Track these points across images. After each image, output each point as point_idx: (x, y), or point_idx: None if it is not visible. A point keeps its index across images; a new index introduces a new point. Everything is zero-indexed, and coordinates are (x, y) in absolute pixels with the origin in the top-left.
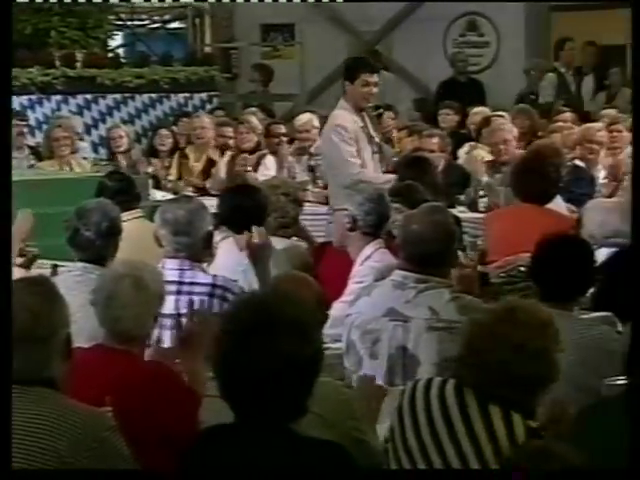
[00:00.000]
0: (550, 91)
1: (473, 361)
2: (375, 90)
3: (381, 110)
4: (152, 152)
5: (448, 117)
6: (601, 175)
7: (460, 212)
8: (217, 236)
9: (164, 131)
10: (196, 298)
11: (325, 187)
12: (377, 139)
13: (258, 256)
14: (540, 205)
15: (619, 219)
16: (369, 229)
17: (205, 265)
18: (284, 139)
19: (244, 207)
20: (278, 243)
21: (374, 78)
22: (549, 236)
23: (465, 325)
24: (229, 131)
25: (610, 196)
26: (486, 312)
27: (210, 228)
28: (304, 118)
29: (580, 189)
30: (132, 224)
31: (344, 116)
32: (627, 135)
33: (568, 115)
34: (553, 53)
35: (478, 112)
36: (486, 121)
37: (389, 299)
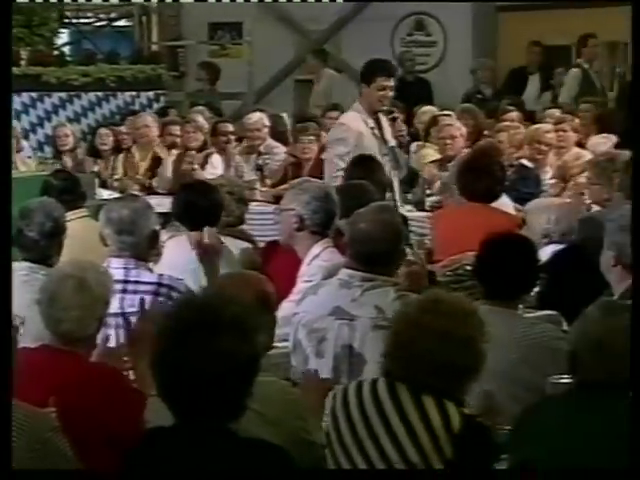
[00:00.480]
0: (574, 87)
1: (401, 354)
2: (391, 94)
3: (395, 114)
4: (93, 152)
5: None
6: (548, 175)
7: (407, 211)
8: (165, 234)
9: (104, 130)
10: (141, 297)
11: (273, 186)
12: (392, 143)
13: (207, 256)
14: (486, 204)
15: (562, 217)
16: (316, 228)
17: (152, 264)
18: (231, 138)
19: (199, 205)
20: (226, 242)
21: (390, 82)
22: (493, 235)
23: (392, 319)
24: (176, 129)
25: (557, 196)
26: (411, 305)
27: (155, 227)
28: (254, 117)
29: (526, 188)
30: (77, 223)
31: (352, 117)
32: (572, 135)
33: (515, 115)
34: (576, 49)
35: (426, 111)
36: (434, 120)
37: (335, 298)
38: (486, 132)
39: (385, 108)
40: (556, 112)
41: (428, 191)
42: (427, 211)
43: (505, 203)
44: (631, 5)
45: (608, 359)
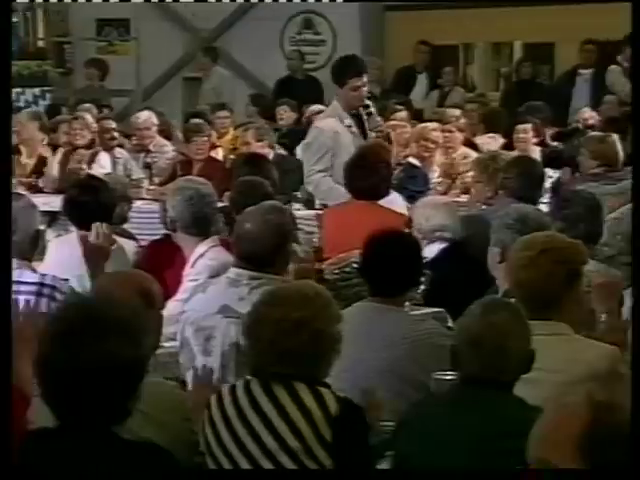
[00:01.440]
0: (623, 82)
1: (250, 347)
2: (365, 91)
3: (371, 110)
4: None
5: (285, 114)
6: (435, 174)
7: (296, 209)
8: (51, 233)
9: None
10: (23, 297)
11: (161, 184)
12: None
13: (93, 254)
14: (372, 202)
15: (445, 215)
16: (188, 229)
17: (36, 263)
18: (115, 135)
19: (87, 203)
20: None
21: (363, 79)
22: (377, 232)
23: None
24: (63, 127)
25: (444, 194)
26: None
27: (39, 226)
28: (143, 116)
29: (414, 187)
30: None
31: (327, 117)
32: (459, 135)
33: (403, 114)
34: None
35: (315, 110)
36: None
37: (223, 296)
38: None
39: (363, 104)
40: (444, 111)
41: None
42: (317, 209)
43: (395, 201)
44: (631, 5)
45: (487, 356)
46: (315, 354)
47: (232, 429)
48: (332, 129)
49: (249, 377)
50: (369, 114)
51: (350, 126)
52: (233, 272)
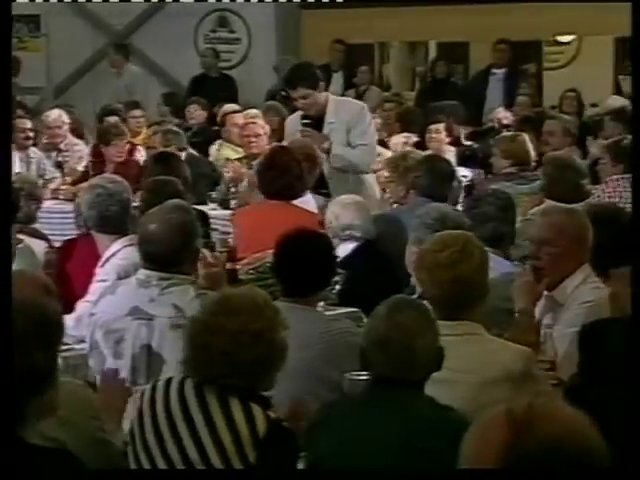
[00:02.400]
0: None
1: (199, 357)
2: (304, 102)
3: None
4: None
5: (196, 113)
6: None
7: (211, 209)
8: None
9: None
10: None
11: (74, 183)
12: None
13: None
14: (286, 201)
15: (355, 213)
16: (101, 227)
17: None
18: (30, 135)
19: None
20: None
21: (298, 92)
22: (289, 232)
23: (187, 324)
24: None
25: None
26: (203, 308)
27: None
28: (53, 114)
29: None
30: None
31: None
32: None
33: None
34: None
35: (229, 109)
36: (224, 118)
37: (133, 298)
38: None
39: (311, 114)
40: None
41: (233, 189)
42: (232, 209)
43: (310, 201)
44: (631, 5)
45: (395, 356)
46: (268, 364)
47: (159, 432)
48: (292, 130)
49: (183, 380)
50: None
51: (306, 124)
52: (142, 273)
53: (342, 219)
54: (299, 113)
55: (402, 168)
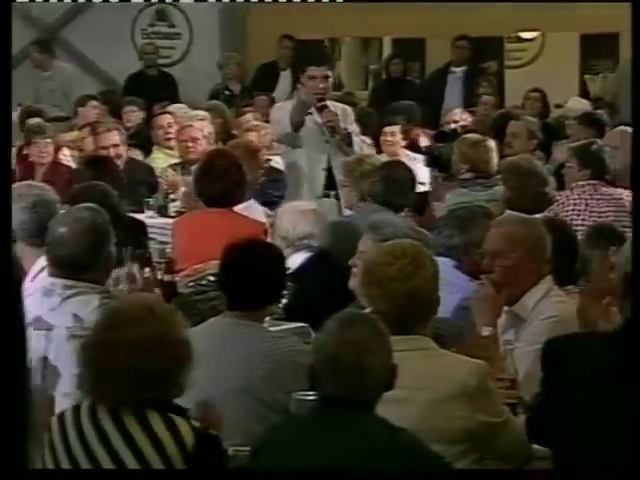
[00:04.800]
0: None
1: (101, 379)
2: (323, 84)
3: (325, 102)
4: None
5: (133, 115)
6: None
7: (149, 217)
8: None
9: None
10: None
11: None
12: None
13: None
14: (227, 209)
15: (313, 222)
16: (33, 239)
17: None
18: None
19: None
20: None
21: (323, 71)
22: (235, 241)
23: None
24: None
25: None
26: (93, 324)
27: None
28: None
29: (277, 191)
30: None
31: (280, 106)
32: None
33: (249, 116)
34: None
35: (175, 110)
36: (156, 120)
37: (37, 307)
38: (235, 131)
39: (318, 98)
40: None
41: (172, 196)
42: (171, 217)
43: (252, 207)
44: (631, 5)
45: (346, 375)
46: (176, 369)
47: (73, 459)
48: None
49: (94, 407)
50: (322, 107)
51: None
52: (48, 281)
53: (300, 227)
54: (291, 102)
55: (358, 173)
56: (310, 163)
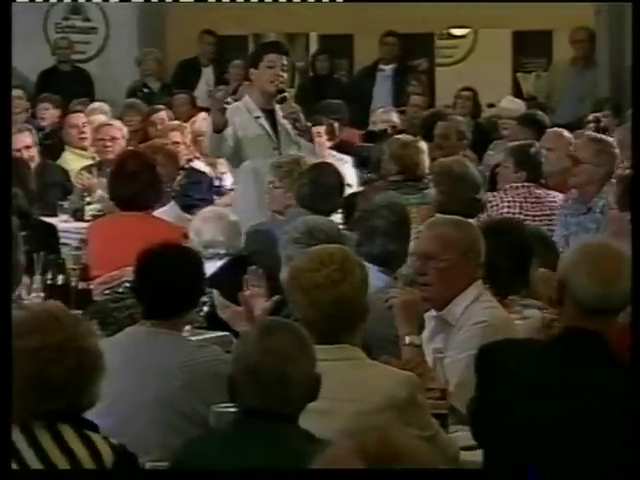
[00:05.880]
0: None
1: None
2: (282, 73)
3: (284, 94)
4: None
5: (47, 113)
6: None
7: (62, 221)
8: None
9: None
10: None
11: None
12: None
13: None
14: (144, 212)
15: (217, 229)
16: None
17: None
18: None
19: None
20: None
21: (282, 60)
22: (150, 247)
23: None
24: None
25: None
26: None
27: None
28: None
29: (198, 194)
30: None
31: (232, 109)
32: None
33: (163, 114)
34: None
35: (95, 108)
36: (68, 119)
37: None
38: (151, 130)
39: (278, 89)
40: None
41: (88, 199)
42: (87, 221)
43: (171, 211)
44: (632, 5)
45: (266, 385)
46: (82, 377)
47: None
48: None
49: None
50: (282, 100)
51: (259, 117)
52: None
53: (203, 235)
54: (243, 102)
55: (296, 174)
56: (260, 177)
